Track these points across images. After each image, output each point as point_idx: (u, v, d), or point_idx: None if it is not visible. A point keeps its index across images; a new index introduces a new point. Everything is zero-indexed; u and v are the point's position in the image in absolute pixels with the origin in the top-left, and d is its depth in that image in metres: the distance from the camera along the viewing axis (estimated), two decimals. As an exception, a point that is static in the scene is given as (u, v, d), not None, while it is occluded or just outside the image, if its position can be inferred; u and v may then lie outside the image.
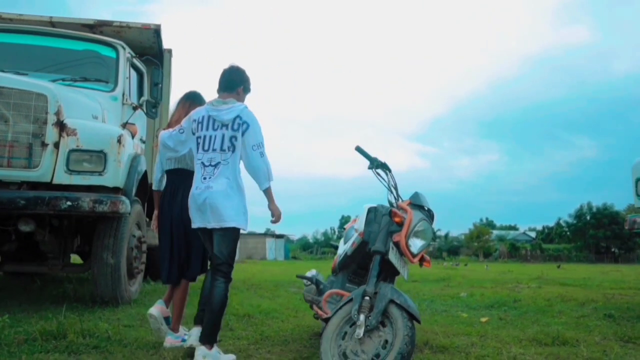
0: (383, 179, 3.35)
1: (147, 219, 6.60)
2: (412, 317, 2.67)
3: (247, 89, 3.31)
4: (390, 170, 3.37)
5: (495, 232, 57.94)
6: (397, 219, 3.08)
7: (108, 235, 4.91)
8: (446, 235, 59.92)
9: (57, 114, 4.48)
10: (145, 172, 5.68)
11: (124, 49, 5.84)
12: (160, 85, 6.12)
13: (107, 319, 4.27)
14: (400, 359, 2.50)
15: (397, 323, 2.62)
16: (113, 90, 5.56)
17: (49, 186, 4.45)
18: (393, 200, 3.27)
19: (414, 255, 3.04)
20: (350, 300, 2.81)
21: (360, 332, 2.64)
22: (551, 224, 62.87)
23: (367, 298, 2.75)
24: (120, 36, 6.45)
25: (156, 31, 6.49)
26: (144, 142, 6.45)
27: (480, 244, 49.81)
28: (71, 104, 4.78)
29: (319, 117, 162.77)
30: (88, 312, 4.61)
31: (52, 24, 6.17)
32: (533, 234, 62.68)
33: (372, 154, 3.38)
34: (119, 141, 4.70)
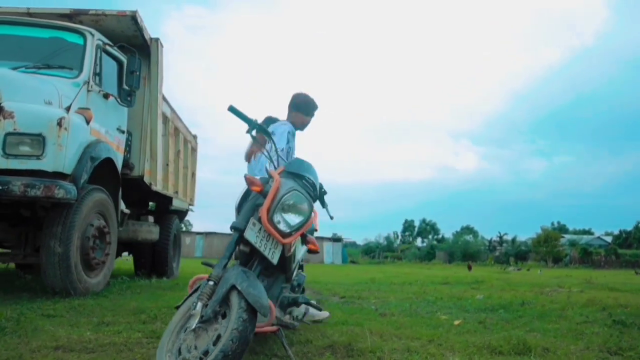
0: (261, 144, 2.92)
1: (129, 211, 6.44)
2: (251, 307, 2.15)
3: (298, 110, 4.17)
4: (270, 135, 2.87)
5: (567, 236, 54.69)
6: (254, 188, 2.55)
7: (56, 223, 4.73)
8: (513, 240, 57.27)
9: (-6, 96, 4.34)
10: (111, 160, 5.49)
11: (92, 35, 5.70)
12: (137, 73, 5.97)
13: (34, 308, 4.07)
14: (222, 358, 2.01)
15: (232, 314, 2.13)
16: (77, 76, 5.41)
17: None
18: (273, 170, 2.78)
19: (283, 235, 2.47)
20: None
21: (192, 323, 2.15)
22: (629, 227, 58.66)
23: (210, 283, 2.27)
24: (100, 25, 6.36)
25: (133, 18, 6.34)
26: (122, 132, 6.28)
27: (549, 248, 46.99)
28: (18, 89, 4.67)
29: (389, 122, 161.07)
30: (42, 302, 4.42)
31: (30, 14, 6.16)
32: (609, 239, 58.57)
33: (251, 115, 2.89)
34: (59, 124, 4.52)
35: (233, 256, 2.52)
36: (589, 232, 63.86)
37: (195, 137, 11.50)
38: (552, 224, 67.22)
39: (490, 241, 58.75)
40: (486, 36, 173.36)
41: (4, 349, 2.73)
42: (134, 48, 6.15)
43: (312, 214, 2.59)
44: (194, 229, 59.46)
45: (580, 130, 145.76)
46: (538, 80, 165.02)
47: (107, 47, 5.96)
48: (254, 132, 2.80)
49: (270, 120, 4.13)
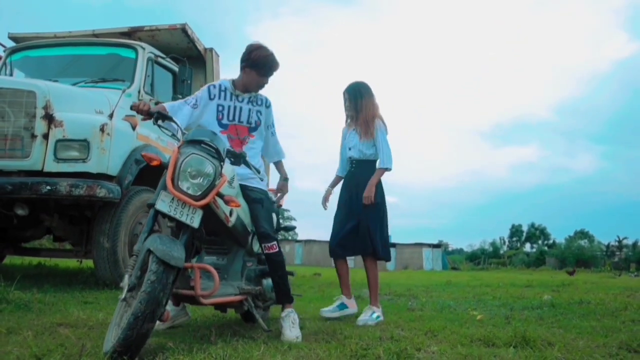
0: (166, 128, 2.95)
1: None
2: (163, 263, 2.22)
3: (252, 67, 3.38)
4: (171, 118, 2.89)
5: None
6: (154, 163, 2.68)
7: (105, 220, 5.18)
8: (634, 244, 52.40)
9: (46, 107, 4.88)
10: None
11: (143, 49, 6.18)
12: (188, 82, 6.35)
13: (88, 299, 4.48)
14: (133, 320, 2.10)
15: (148, 269, 2.24)
16: (129, 87, 5.89)
17: (41, 174, 4.86)
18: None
19: (195, 198, 2.51)
20: None
21: (122, 295, 2.29)
22: None
23: (133, 257, 2.41)
24: (155, 40, 6.87)
25: (183, 30, 6.77)
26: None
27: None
28: (70, 101, 5.19)
29: (497, 124, 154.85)
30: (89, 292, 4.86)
31: (95, 35, 6.80)
32: None
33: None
34: (102, 130, 4.97)
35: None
36: None
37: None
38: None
39: (607, 246, 54.18)
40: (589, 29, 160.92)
41: (14, 321, 3.07)
42: (189, 59, 6.56)
43: (220, 172, 2.64)
44: (299, 237, 61.08)
45: None
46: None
47: (159, 59, 6.41)
48: (160, 122, 2.89)
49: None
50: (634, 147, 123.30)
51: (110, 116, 5.23)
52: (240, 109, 3.35)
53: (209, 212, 2.73)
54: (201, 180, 2.55)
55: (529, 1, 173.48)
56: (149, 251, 2.28)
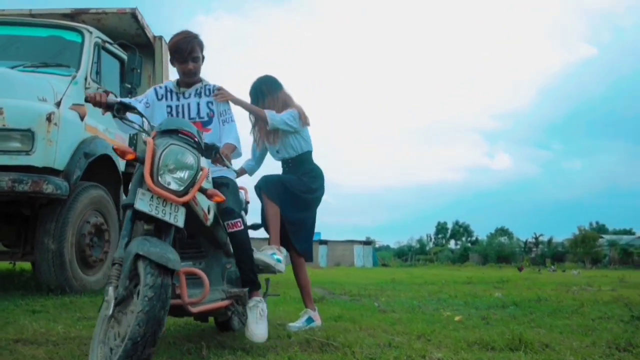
0: (131, 121, 2.57)
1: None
2: (159, 267, 1.91)
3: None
4: (134, 109, 2.54)
5: (606, 237, 52.65)
6: (128, 157, 2.22)
7: (50, 219, 4.70)
8: (549, 241, 55.69)
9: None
10: (109, 157, 5.44)
11: (90, 33, 5.68)
12: (137, 70, 5.89)
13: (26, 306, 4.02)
14: (131, 347, 1.78)
15: (140, 290, 1.89)
16: (74, 74, 5.39)
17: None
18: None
19: (178, 194, 2.20)
20: None
21: (108, 311, 1.92)
22: (675, 227, 56.20)
23: (115, 265, 2.02)
24: (102, 24, 6.38)
25: (133, 15, 6.33)
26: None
27: (586, 249, 45.38)
28: (10, 86, 4.67)
29: (424, 124, 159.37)
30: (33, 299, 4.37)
31: (32, 15, 6.22)
32: (652, 239, 56.31)
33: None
34: (48, 119, 4.49)
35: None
36: (629, 232, 61.34)
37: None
38: (591, 224, 64.93)
39: (525, 243, 57.20)
40: (518, 38, 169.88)
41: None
42: (137, 47, 6.12)
43: (200, 164, 2.34)
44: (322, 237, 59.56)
45: (619, 127, 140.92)
46: (570, 75, 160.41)
47: (107, 45, 5.93)
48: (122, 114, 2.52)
49: None
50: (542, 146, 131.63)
51: (58, 104, 4.74)
52: (188, 105, 3.13)
53: (187, 212, 2.37)
54: (183, 174, 2.24)
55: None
56: (138, 256, 1.94)
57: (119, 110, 2.49)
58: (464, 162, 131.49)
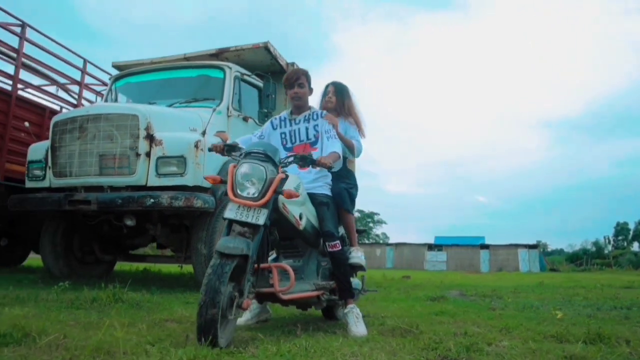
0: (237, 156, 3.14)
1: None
2: (219, 254, 2.58)
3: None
4: (238, 145, 3.21)
5: None
6: (215, 182, 3.07)
7: (201, 228, 5.68)
8: None
9: (147, 129, 5.46)
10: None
11: (230, 69, 6.68)
12: (272, 96, 6.75)
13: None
14: (198, 309, 2.47)
15: None
16: (218, 105, 6.40)
17: (145, 188, 5.43)
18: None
19: (254, 199, 2.76)
20: None
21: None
22: None
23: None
24: (241, 58, 7.38)
25: (266, 48, 7.21)
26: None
27: None
28: (167, 121, 5.76)
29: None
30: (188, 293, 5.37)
31: (186, 58, 7.42)
32: None
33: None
34: (196, 146, 5.47)
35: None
36: None
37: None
38: None
39: None
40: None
41: (129, 317, 3.52)
42: (272, 74, 6.99)
43: (273, 172, 2.85)
44: (391, 240, 60.81)
45: None
46: None
47: (245, 77, 6.89)
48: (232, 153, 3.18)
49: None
50: None
51: (203, 133, 5.73)
52: (299, 130, 3.73)
53: (282, 219, 3.04)
54: (256, 182, 2.79)
55: None
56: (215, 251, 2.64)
57: (228, 151, 3.19)
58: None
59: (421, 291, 6.97)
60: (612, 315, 4.36)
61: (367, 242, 63.71)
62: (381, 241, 62.60)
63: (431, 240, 49.03)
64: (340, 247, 3.48)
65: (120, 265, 9.32)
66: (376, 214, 71.51)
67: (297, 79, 3.72)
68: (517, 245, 44.17)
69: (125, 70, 7.50)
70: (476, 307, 5.03)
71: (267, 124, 3.87)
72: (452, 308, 4.72)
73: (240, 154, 3.03)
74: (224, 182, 2.95)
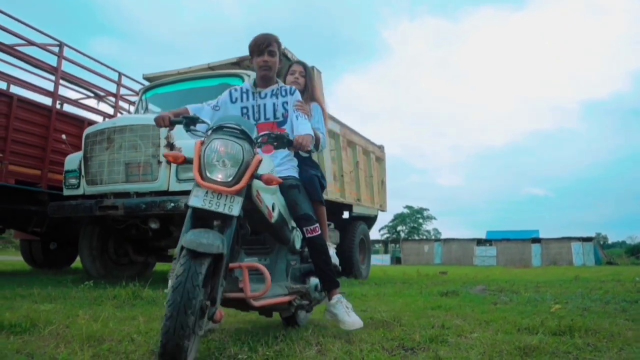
0: (198, 130, 2.67)
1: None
2: (192, 253, 2.00)
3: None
4: (199, 119, 2.69)
5: None
6: (179, 161, 2.42)
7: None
8: None
9: (167, 138, 5.87)
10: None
11: (249, 77, 7.01)
12: (290, 101, 7.08)
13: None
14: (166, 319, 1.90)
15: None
16: (237, 112, 6.74)
17: (167, 193, 5.85)
18: None
19: (227, 184, 2.24)
20: None
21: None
22: None
23: (174, 260, 2.16)
24: (260, 66, 7.70)
25: (283, 54, 7.51)
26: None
27: None
28: (188, 129, 6.15)
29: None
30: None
31: (210, 68, 7.83)
32: None
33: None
34: (212, 152, 5.84)
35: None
36: None
37: (381, 147, 12.33)
38: None
39: None
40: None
41: (137, 312, 3.89)
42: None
43: (250, 152, 2.37)
44: (442, 236, 60.07)
45: None
46: None
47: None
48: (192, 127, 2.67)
49: None
50: None
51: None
52: (264, 106, 3.21)
53: (252, 209, 2.50)
54: (228, 164, 2.28)
55: None
56: (182, 248, 2.06)
57: (187, 125, 2.66)
58: None
59: (440, 287, 7.08)
60: (611, 309, 4.37)
61: (416, 238, 63.39)
62: (432, 237, 61.91)
63: (483, 235, 48.28)
64: (320, 232, 3.04)
65: (160, 266, 9.86)
66: (425, 209, 70.95)
67: (268, 45, 3.18)
68: (570, 239, 42.88)
69: (153, 82, 7.98)
70: (479, 301, 5.13)
71: (225, 94, 3.31)
72: (453, 303, 4.87)
73: (209, 129, 2.49)
74: (188, 161, 2.41)
